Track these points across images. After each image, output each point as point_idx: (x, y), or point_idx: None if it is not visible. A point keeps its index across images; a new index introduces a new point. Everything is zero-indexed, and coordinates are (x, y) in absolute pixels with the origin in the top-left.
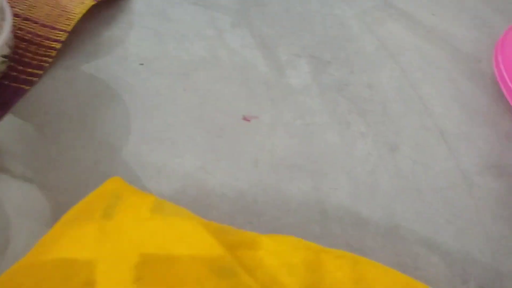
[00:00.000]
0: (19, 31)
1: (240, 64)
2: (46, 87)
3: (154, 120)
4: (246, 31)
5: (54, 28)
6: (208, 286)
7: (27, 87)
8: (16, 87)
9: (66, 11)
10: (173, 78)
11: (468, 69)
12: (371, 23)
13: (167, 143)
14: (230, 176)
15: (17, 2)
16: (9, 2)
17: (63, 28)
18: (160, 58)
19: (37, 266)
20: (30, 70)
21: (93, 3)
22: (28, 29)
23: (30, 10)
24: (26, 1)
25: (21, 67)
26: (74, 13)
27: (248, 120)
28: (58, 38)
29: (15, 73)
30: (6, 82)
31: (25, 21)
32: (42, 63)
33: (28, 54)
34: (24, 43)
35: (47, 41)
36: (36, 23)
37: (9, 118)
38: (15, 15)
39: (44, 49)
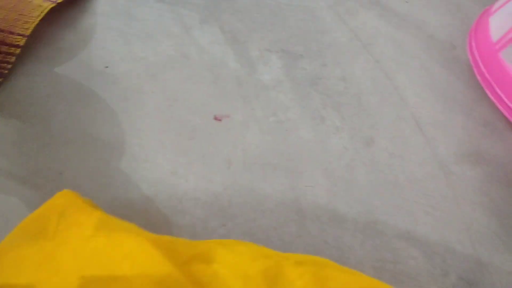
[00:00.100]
0: None
1: (210, 61)
2: (6, 94)
3: (122, 125)
4: (215, 27)
5: (11, 33)
6: None
7: None
8: None
9: (23, 15)
10: (140, 80)
11: (443, 56)
12: (343, 13)
13: (136, 148)
14: (203, 179)
15: None
16: None
17: (21, 32)
18: (126, 60)
19: None
20: None
21: (52, 5)
22: None
23: None
24: None
25: None
26: (32, 17)
27: (220, 120)
28: (17, 43)
29: None
30: None
31: None
32: (0, 70)
33: None
34: None
35: (4, 47)
36: None
37: None
38: None
39: (1, 55)
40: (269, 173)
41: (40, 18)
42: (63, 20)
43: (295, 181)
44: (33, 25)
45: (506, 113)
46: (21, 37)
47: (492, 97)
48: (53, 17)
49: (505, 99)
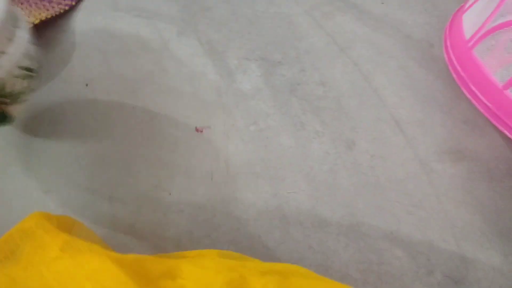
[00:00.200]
0: None
1: (189, 74)
2: None
3: (104, 142)
4: (193, 38)
5: None
6: None
7: None
8: None
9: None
10: (120, 97)
11: (421, 55)
12: (320, 18)
13: (119, 164)
14: (187, 191)
15: None
16: None
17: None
18: (106, 77)
19: None
20: None
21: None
22: None
23: None
24: None
25: None
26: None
27: (201, 131)
28: None
29: None
30: None
31: None
32: None
33: None
34: None
35: None
36: None
37: None
38: None
39: None
40: (252, 182)
41: None
42: (42, 40)
43: (277, 188)
44: None
45: (482, 110)
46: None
47: (468, 95)
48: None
49: (481, 96)
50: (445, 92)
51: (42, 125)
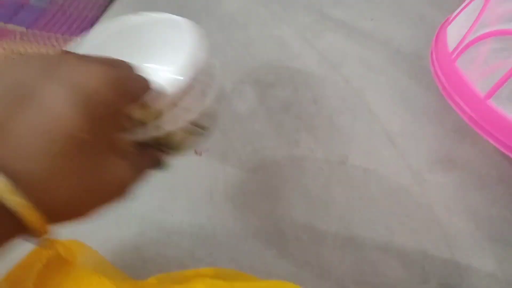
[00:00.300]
0: None
1: None
2: None
3: None
4: None
5: None
6: None
7: None
8: None
9: None
10: None
11: (410, 68)
12: (311, 38)
13: None
14: (188, 212)
15: None
16: None
17: None
18: None
19: None
20: None
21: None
22: None
23: None
24: None
25: None
26: None
27: (200, 154)
28: None
29: None
30: None
31: None
32: None
33: None
34: None
35: None
36: None
37: None
38: None
39: None
40: (250, 200)
41: None
42: None
43: (274, 205)
44: None
45: (467, 120)
46: None
47: (454, 106)
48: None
49: (465, 107)
50: (435, 103)
51: None
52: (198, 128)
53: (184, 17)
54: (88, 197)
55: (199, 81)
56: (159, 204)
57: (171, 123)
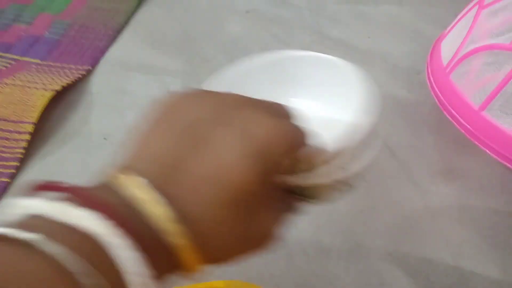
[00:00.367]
0: None
1: None
2: (24, 177)
3: None
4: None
5: (21, 122)
6: None
7: (8, 180)
8: None
9: (29, 105)
10: None
11: (409, 82)
12: None
13: None
14: None
15: None
16: None
17: (29, 120)
18: (122, 130)
19: None
20: (4, 163)
21: (52, 93)
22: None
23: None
24: None
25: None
26: (37, 106)
27: None
28: (27, 130)
29: None
30: None
31: None
32: (15, 155)
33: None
34: None
35: (16, 135)
36: (5, 120)
37: None
38: None
39: (15, 142)
40: None
41: (44, 106)
42: (66, 103)
43: None
44: (39, 113)
45: (464, 132)
46: (30, 124)
47: (450, 118)
48: (56, 101)
49: (461, 119)
50: (434, 116)
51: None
52: (344, 185)
53: (189, 42)
54: (241, 245)
55: (363, 139)
56: None
57: (320, 177)
